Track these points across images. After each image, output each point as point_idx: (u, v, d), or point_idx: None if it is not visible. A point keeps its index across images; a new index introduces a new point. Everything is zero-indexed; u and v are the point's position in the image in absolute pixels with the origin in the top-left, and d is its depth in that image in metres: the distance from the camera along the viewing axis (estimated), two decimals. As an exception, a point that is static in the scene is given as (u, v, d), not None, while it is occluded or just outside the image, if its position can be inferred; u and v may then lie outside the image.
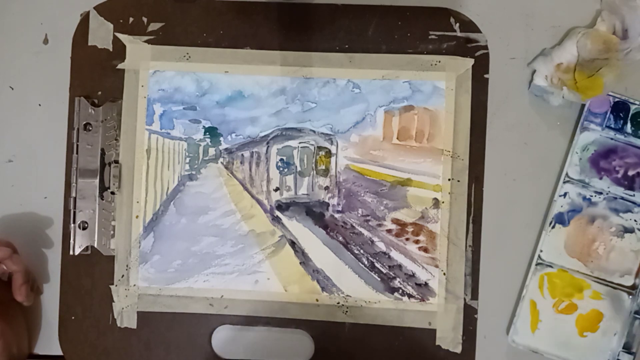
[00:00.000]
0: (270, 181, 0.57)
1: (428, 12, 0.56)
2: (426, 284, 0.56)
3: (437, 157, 0.56)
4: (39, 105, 0.58)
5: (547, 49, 0.56)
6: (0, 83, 0.58)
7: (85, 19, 0.57)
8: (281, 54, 0.57)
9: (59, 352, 0.57)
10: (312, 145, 0.57)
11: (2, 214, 0.57)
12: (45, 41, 0.58)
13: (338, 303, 0.56)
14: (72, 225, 0.56)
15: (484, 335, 0.55)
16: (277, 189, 0.57)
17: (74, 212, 0.56)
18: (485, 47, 0.56)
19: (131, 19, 0.57)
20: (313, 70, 0.57)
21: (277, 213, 0.57)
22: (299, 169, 0.57)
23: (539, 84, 0.55)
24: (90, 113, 0.56)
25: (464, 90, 0.56)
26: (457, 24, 0.56)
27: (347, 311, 0.56)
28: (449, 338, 0.55)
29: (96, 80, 0.57)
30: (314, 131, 0.57)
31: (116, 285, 0.56)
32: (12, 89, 0.58)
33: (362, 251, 0.56)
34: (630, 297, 0.54)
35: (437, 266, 0.56)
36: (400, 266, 0.56)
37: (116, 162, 0.57)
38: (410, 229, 0.56)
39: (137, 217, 0.57)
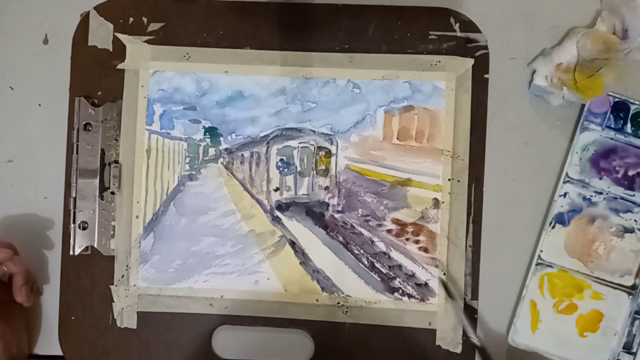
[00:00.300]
0: (270, 181, 0.57)
1: (428, 12, 0.56)
2: (426, 284, 0.56)
3: (437, 157, 0.56)
4: (39, 105, 0.58)
5: (547, 49, 0.56)
6: (0, 83, 0.58)
7: (85, 19, 0.57)
8: (281, 54, 0.57)
9: (59, 352, 0.57)
10: (312, 145, 0.57)
11: (2, 214, 0.57)
12: (45, 41, 0.58)
13: (338, 303, 0.56)
14: (72, 225, 0.56)
15: (484, 335, 0.55)
16: (277, 189, 0.57)
17: (74, 212, 0.56)
18: (485, 47, 0.56)
19: (131, 19, 0.57)
20: (313, 70, 0.57)
21: (277, 213, 0.57)
22: (299, 169, 0.57)
23: (539, 84, 0.55)
24: (90, 113, 0.56)
25: (464, 90, 0.56)
26: (457, 24, 0.56)
27: (347, 311, 0.56)
28: (449, 338, 0.55)
29: (96, 80, 0.57)
30: (314, 131, 0.57)
31: (116, 285, 0.56)
32: (12, 89, 0.58)
33: (362, 251, 0.56)
34: (630, 297, 0.54)
35: (437, 266, 0.56)
36: (400, 266, 0.56)
37: (116, 162, 0.57)
38: (410, 229, 0.56)
39: (137, 217, 0.57)
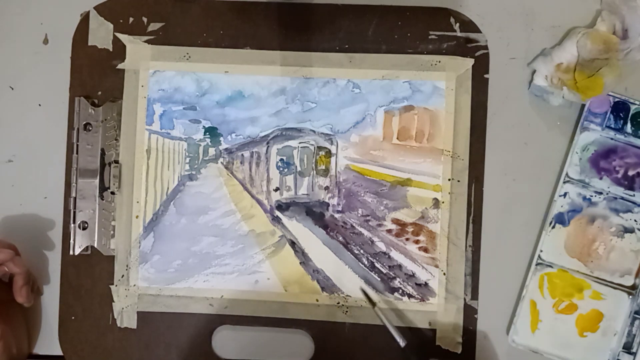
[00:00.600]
0: (270, 181, 0.57)
1: (428, 12, 0.56)
2: (426, 284, 0.56)
3: (437, 157, 0.56)
4: (39, 105, 0.58)
5: (547, 49, 0.56)
6: (0, 83, 0.58)
7: (85, 19, 0.57)
8: (281, 54, 0.57)
9: (59, 352, 0.57)
10: (312, 145, 0.57)
11: (2, 214, 0.57)
12: (45, 41, 0.58)
13: (338, 303, 0.56)
14: (72, 225, 0.56)
15: (484, 335, 0.55)
16: (277, 189, 0.57)
17: (74, 212, 0.56)
18: (485, 47, 0.56)
19: (131, 19, 0.57)
20: (313, 70, 0.57)
21: (277, 213, 0.57)
22: (299, 169, 0.57)
23: (539, 84, 0.55)
24: (90, 113, 0.56)
25: (464, 90, 0.56)
26: (457, 24, 0.56)
27: (347, 311, 0.56)
28: (449, 338, 0.55)
29: (96, 80, 0.57)
30: (314, 131, 0.57)
31: (116, 285, 0.56)
32: (12, 89, 0.58)
33: (362, 251, 0.56)
34: (630, 297, 0.54)
35: (437, 266, 0.56)
36: (400, 266, 0.56)
37: (116, 162, 0.57)
38: (410, 229, 0.56)
39: (137, 217, 0.57)
